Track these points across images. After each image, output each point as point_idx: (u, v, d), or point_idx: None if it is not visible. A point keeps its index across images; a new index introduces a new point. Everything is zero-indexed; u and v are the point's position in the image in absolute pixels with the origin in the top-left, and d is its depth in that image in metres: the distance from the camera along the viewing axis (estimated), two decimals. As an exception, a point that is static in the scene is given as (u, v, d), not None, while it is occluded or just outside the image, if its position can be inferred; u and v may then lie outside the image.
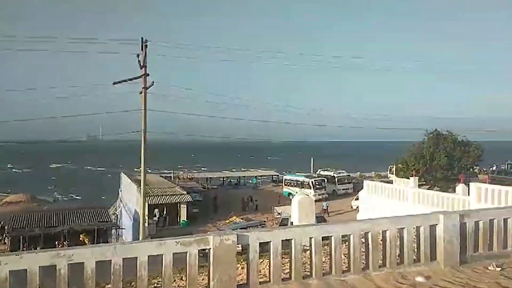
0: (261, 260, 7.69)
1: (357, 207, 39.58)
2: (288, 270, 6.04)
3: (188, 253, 5.40)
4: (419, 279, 5.85)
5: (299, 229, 5.90)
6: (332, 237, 5.92)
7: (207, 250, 5.50)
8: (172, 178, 51.83)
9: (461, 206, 16.17)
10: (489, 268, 6.37)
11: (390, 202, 21.62)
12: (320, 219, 25.71)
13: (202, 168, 78.68)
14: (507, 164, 55.34)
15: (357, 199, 40.93)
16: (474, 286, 5.67)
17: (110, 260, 5.05)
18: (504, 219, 6.77)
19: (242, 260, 7.21)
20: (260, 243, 5.70)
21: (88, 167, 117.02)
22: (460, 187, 25.57)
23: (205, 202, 42.65)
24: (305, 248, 6.17)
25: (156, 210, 36.83)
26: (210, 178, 57.17)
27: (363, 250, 6.23)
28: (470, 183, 17.03)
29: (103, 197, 57.74)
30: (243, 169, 70.55)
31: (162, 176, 51.49)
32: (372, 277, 5.96)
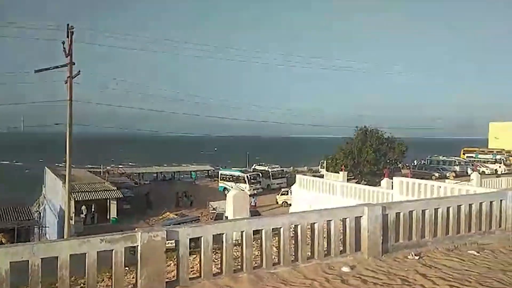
0: (194, 256, 7.62)
1: (283, 202, 40.57)
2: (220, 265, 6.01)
3: (114, 251, 5.17)
4: (345, 269, 6.09)
5: (230, 223, 5.88)
6: (263, 231, 5.97)
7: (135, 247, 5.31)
8: (102, 173, 49.59)
9: (385, 199, 17.17)
10: (409, 257, 6.80)
11: (320, 195, 22.43)
12: (255, 213, 26.03)
13: (130, 163, 75.46)
14: (427, 159, 59.77)
15: (283, 194, 41.88)
16: (394, 274, 6.01)
17: (28, 261, 4.69)
18: (422, 210, 7.25)
19: (174, 257, 7.08)
20: (191, 238, 5.61)
21: (6, 162, 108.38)
22: (384, 181, 27.17)
23: (137, 198, 41.34)
24: (238, 242, 6.18)
25: (84, 207, 35.05)
26: (143, 173, 55.52)
27: (293, 243, 6.37)
28: (394, 177, 18.14)
29: (24, 194, 53.79)
30: (174, 164, 68.96)
31: (91, 171, 49.13)
32: (301, 268, 6.11)
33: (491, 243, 7.78)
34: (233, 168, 51.74)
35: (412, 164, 58.75)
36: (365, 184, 32.29)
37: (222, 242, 5.72)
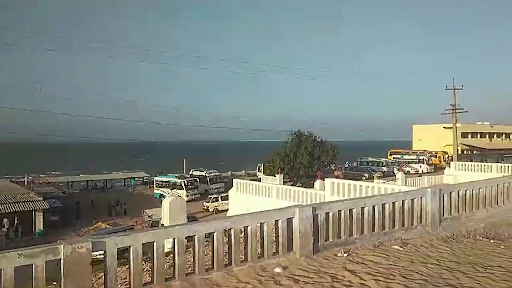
0: (127, 266, 7.32)
1: (214, 209, 39.32)
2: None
3: (34, 266, 4.81)
4: (277, 270, 6.18)
5: (161, 230, 5.73)
6: (196, 237, 5.89)
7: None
8: (26, 183, 46.28)
9: (318, 200, 17.73)
10: (338, 254, 7.05)
11: (257, 198, 22.67)
12: (192, 219, 25.64)
13: (53, 172, 70.31)
14: (358, 161, 62.73)
15: (213, 201, 40.59)
16: (324, 272, 6.20)
17: None
18: (350, 209, 7.57)
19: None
20: (119, 248, 5.39)
21: None
22: (317, 183, 28.08)
23: (66, 208, 39.03)
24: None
25: (5, 219, 32.43)
26: (72, 182, 52.60)
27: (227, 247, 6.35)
28: (326, 179, 18.82)
29: None
30: (104, 171, 65.85)
31: (13, 181, 45.65)
32: (235, 272, 6.11)
33: (413, 238, 8.31)
34: (169, 174, 50.65)
35: (344, 165, 61.35)
36: (300, 186, 33.19)
37: (153, 250, 5.55)
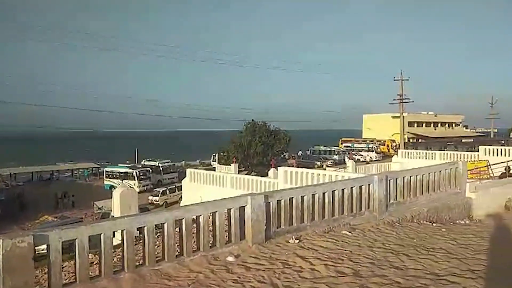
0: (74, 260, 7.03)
1: (163, 203, 37.35)
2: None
3: (-33, 264, 4.51)
4: (230, 258, 6.19)
5: (108, 222, 5.54)
6: (145, 228, 5.75)
7: None
8: (-36, 176, 43.39)
9: (271, 188, 17.90)
10: (290, 241, 7.16)
11: (211, 188, 22.55)
12: (145, 211, 25.11)
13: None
14: (310, 150, 64.02)
15: (156, 195, 38.77)
16: (276, 258, 6.28)
17: None
18: (301, 196, 7.68)
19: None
20: (64, 242, 5.16)
21: None
22: (271, 171, 28.37)
23: (8, 201, 36.97)
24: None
25: None
26: (15, 173, 49.83)
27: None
28: (279, 167, 19.01)
29: None
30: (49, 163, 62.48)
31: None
32: (187, 262, 6.04)
33: (361, 223, 8.61)
34: (120, 164, 49.25)
35: (298, 154, 62.39)
36: (255, 175, 33.39)
37: (100, 242, 5.37)
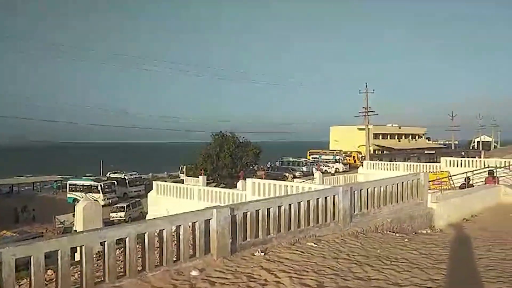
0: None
1: (128, 219, 35.66)
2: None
3: None
4: (194, 273, 6.07)
5: (65, 238, 5.32)
6: (106, 243, 5.57)
7: None
8: None
9: (239, 200, 17.86)
10: (255, 254, 7.12)
11: (178, 201, 22.25)
12: (110, 225, 24.41)
13: None
14: (279, 161, 64.40)
15: (120, 210, 35.55)
16: (241, 272, 6.22)
17: None
18: (267, 208, 7.67)
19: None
20: (18, 259, 4.91)
21: None
22: (240, 183, 28.29)
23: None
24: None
25: None
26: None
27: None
28: (247, 179, 19.01)
29: None
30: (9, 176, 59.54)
31: None
32: (149, 278, 5.88)
33: (327, 234, 8.67)
34: (84, 177, 47.83)
35: (267, 165, 62.61)
36: (223, 187, 33.23)
37: (57, 260, 5.15)
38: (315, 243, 8.00)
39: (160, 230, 6.16)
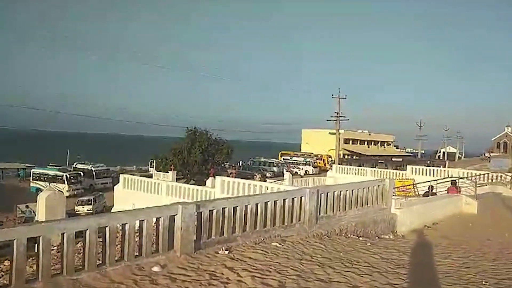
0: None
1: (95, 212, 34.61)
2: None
3: None
4: (155, 268, 5.99)
5: (22, 228, 5.15)
6: (65, 234, 5.41)
7: None
8: None
9: (208, 197, 17.78)
10: (219, 252, 7.08)
11: (145, 195, 21.91)
12: (74, 216, 23.78)
13: None
14: (251, 160, 64.47)
15: (88, 203, 33.57)
16: (204, 270, 6.18)
17: None
18: (234, 207, 7.65)
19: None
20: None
21: None
22: (209, 180, 28.21)
23: None
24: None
25: None
26: None
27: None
28: (217, 177, 18.94)
29: None
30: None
31: None
32: (109, 272, 5.76)
33: (292, 235, 8.73)
34: (49, 166, 46.37)
35: (238, 164, 62.57)
36: (194, 184, 32.96)
37: (12, 250, 4.97)
38: (280, 244, 8.04)
39: (122, 224, 6.05)
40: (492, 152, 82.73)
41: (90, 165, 48.17)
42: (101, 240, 5.92)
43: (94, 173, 46.37)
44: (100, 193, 38.09)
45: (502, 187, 21.36)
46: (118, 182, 26.45)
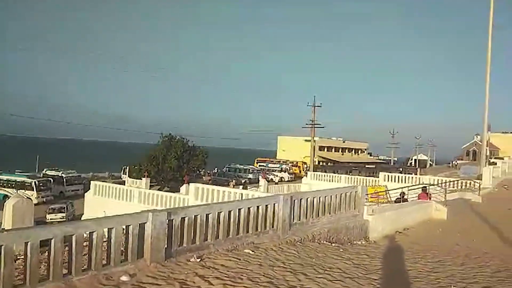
0: None
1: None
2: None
3: None
4: (124, 278, 5.83)
5: (-19, 237, 4.92)
6: (29, 243, 5.21)
7: None
8: None
9: (181, 204, 17.56)
10: (191, 260, 6.97)
11: (117, 203, 21.46)
12: (43, 224, 23.01)
13: None
14: (226, 167, 64.26)
15: (60, 211, 31.80)
16: (174, 278, 6.06)
17: None
18: (206, 214, 7.56)
19: None
20: None
21: None
22: (184, 187, 27.90)
23: None
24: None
25: None
26: None
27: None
28: (191, 184, 18.75)
29: None
30: None
31: None
32: (74, 282, 5.57)
33: (265, 242, 8.70)
34: (16, 172, 44.90)
35: (213, 171, 62.25)
36: (167, 191, 32.53)
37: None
38: (252, 251, 7.99)
39: (90, 232, 5.87)
40: (462, 160, 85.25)
41: (61, 172, 46.92)
42: (67, 249, 5.73)
43: (64, 179, 45.15)
44: (70, 201, 36.92)
45: (470, 193, 22.00)
46: (89, 189, 25.83)
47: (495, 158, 45.02)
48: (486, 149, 31.40)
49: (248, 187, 33.94)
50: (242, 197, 14.38)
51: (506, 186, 26.30)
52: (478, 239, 13.20)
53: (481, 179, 26.09)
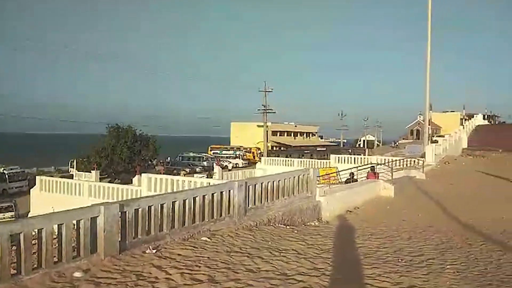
0: None
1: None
2: None
3: None
4: (77, 274, 5.69)
5: None
6: (-29, 245, 4.94)
7: None
8: None
9: (134, 196, 17.19)
10: (147, 251, 6.90)
11: (66, 198, 20.64)
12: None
13: None
14: (179, 156, 63.45)
15: (9, 210, 31.78)
16: (130, 271, 5.98)
17: None
18: (160, 204, 7.48)
19: None
20: None
21: None
22: (136, 178, 27.34)
23: None
24: None
25: None
26: None
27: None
28: (143, 174, 18.38)
29: None
30: None
31: None
32: (25, 282, 5.36)
33: (221, 228, 8.77)
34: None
35: (166, 160, 61.25)
36: (118, 183, 31.71)
37: None
38: (209, 238, 8.03)
39: (39, 229, 5.65)
40: (406, 139, 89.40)
41: (2, 168, 44.31)
42: (15, 248, 5.48)
43: (7, 176, 42.70)
44: (14, 200, 34.67)
45: (415, 171, 23.22)
46: (35, 185, 24.61)
47: (437, 136, 47.56)
48: (429, 127, 33.07)
49: (197, 175, 33.75)
50: (197, 185, 14.32)
51: (447, 162, 27.96)
52: (423, 214, 14.03)
53: (425, 157, 27.55)
